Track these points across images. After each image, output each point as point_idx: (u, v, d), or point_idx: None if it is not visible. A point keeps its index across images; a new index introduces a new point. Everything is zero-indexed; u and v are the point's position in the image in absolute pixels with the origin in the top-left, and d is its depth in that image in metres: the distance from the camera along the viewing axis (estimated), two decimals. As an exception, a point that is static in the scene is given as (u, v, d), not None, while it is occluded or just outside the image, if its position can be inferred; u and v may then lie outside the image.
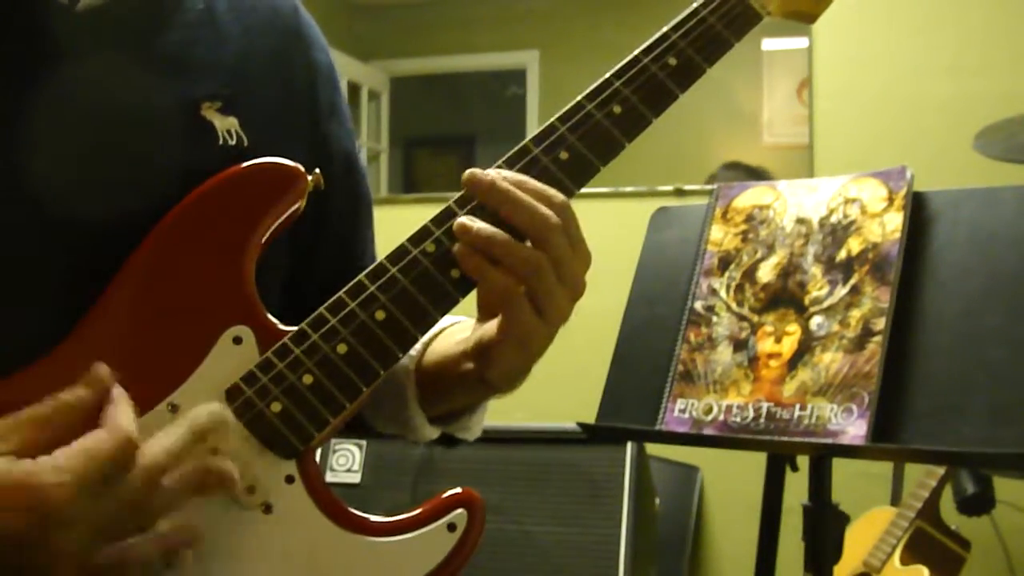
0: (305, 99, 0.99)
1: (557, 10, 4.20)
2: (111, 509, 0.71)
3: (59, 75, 0.83)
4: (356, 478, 2.21)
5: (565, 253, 0.84)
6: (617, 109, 0.89)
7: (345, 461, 2.23)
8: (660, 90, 0.90)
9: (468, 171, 0.85)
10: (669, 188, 3.22)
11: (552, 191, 0.85)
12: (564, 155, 0.87)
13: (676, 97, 0.91)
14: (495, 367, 0.87)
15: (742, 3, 0.94)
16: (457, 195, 0.86)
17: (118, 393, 0.75)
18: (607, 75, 0.90)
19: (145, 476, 0.72)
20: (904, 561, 2.42)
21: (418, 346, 0.97)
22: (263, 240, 0.85)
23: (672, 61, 0.91)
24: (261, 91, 0.93)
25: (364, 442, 2.24)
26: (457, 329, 0.97)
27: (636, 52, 0.91)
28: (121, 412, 0.74)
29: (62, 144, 0.83)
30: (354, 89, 4.12)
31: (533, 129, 0.90)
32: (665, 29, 0.92)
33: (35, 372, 0.79)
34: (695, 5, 0.94)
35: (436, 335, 0.98)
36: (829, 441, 1.21)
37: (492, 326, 0.87)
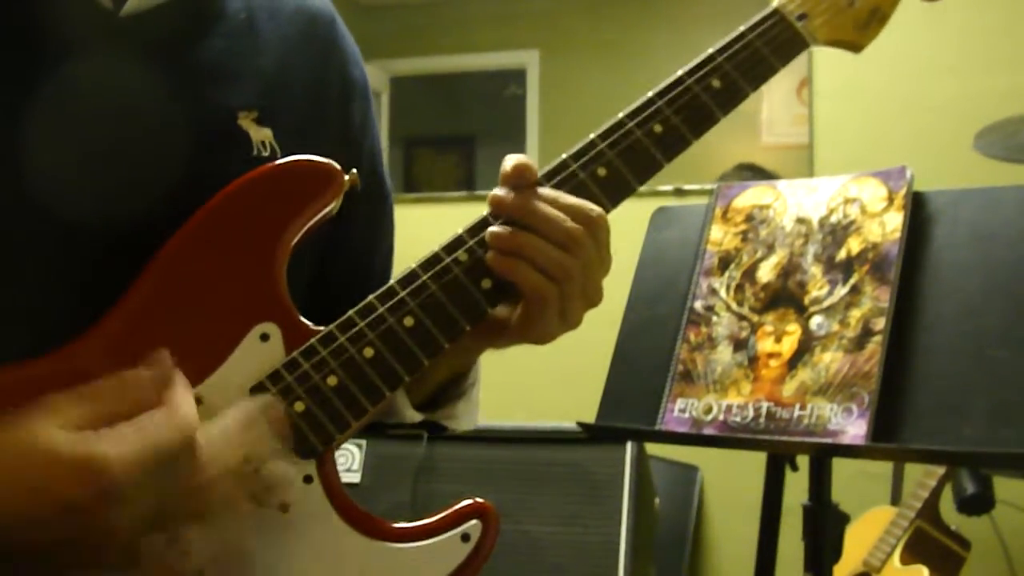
0: (338, 113, 0.99)
1: (557, 10, 4.20)
2: (167, 494, 0.71)
3: (97, 79, 0.82)
4: (356, 478, 2.21)
5: (594, 262, 0.84)
6: (658, 128, 0.88)
7: (345, 461, 2.22)
8: (702, 112, 0.90)
9: (493, 193, 0.85)
10: (669, 188, 3.22)
11: (588, 205, 0.85)
12: (602, 171, 0.87)
13: (717, 120, 0.90)
14: (499, 344, 0.90)
15: (790, 29, 0.94)
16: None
17: (179, 377, 0.76)
18: (650, 94, 0.89)
19: (205, 467, 0.73)
20: (904, 561, 2.42)
21: None
22: (296, 238, 0.84)
23: (716, 83, 0.90)
24: (297, 103, 0.93)
25: (364, 442, 2.24)
26: None
27: (680, 73, 0.91)
28: (183, 398, 0.74)
29: (93, 147, 0.83)
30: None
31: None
32: (711, 51, 0.92)
33: (67, 353, 0.78)
34: (742, 29, 0.93)
35: None
36: (829, 441, 1.21)
37: (505, 312, 0.88)
